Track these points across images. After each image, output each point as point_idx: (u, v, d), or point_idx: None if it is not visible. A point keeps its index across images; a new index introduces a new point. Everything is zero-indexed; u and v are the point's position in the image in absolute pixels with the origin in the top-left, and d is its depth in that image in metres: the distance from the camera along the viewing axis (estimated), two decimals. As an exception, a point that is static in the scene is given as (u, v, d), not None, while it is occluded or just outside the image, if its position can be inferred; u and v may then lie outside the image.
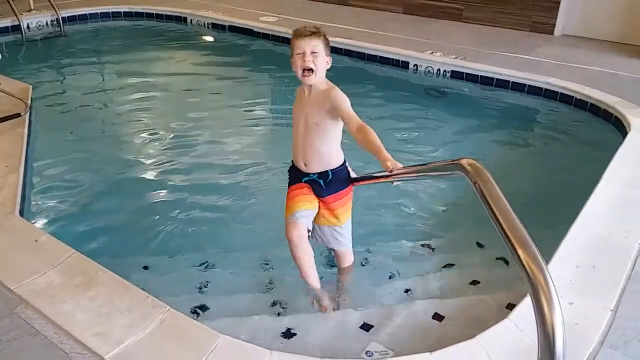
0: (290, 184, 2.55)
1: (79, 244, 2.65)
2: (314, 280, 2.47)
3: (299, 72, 2.28)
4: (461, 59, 5.62)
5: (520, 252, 1.29)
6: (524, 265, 1.26)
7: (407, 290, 2.65)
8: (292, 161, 2.53)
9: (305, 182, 2.47)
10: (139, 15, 7.71)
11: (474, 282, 2.71)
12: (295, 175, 2.51)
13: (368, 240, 2.99)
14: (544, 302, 1.22)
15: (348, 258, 2.68)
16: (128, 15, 7.70)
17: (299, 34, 2.27)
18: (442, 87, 5.47)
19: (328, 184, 2.43)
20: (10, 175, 3.13)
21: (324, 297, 2.51)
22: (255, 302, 2.56)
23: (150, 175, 3.78)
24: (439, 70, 5.61)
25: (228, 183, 3.66)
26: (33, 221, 2.91)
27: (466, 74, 5.46)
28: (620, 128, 4.21)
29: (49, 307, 2.14)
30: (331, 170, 2.41)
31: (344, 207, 2.49)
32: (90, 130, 4.47)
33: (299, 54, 2.25)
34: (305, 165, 2.43)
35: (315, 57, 2.25)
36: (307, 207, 2.43)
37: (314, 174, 2.43)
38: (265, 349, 1.97)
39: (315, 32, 2.27)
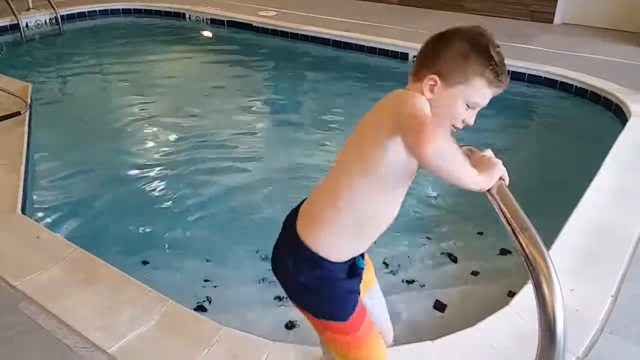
0: (351, 308, 1.38)
1: (81, 240, 2.66)
2: None
3: (449, 125, 1.40)
4: (460, 49, 5.59)
5: (520, 236, 1.29)
6: (524, 249, 1.25)
7: (409, 282, 2.65)
8: (337, 264, 1.36)
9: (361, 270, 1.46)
10: (137, 12, 7.70)
11: (475, 272, 2.71)
12: (355, 278, 1.42)
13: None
14: (545, 285, 1.21)
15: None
16: (126, 12, 7.69)
17: (502, 81, 1.36)
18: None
19: None
20: (12, 174, 3.13)
21: None
22: (257, 294, 2.57)
23: (151, 171, 3.77)
24: (438, 61, 5.57)
25: (229, 178, 3.66)
26: (35, 218, 2.92)
27: (466, 64, 5.43)
28: (620, 115, 4.21)
29: (52, 302, 2.14)
30: None
31: None
32: (90, 127, 4.46)
33: (474, 107, 1.41)
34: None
35: None
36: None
37: None
38: (267, 340, 1.98)
39: None
